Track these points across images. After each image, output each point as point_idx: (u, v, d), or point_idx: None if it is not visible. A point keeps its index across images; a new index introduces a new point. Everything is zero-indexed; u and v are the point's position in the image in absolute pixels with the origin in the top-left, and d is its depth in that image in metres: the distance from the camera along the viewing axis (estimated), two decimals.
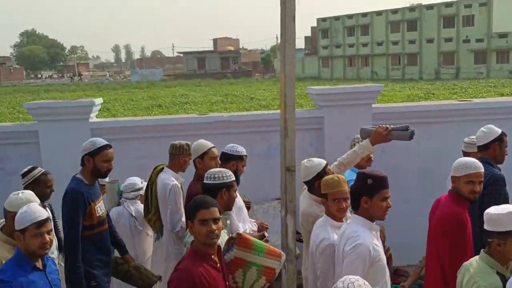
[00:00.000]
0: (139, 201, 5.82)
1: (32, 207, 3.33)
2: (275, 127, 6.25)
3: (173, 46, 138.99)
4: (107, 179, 5.68)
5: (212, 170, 4.03)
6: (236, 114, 7.38)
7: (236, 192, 4.13)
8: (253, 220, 5.10)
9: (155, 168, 5.42)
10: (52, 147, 6.64)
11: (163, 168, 5.38)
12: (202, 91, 43.56)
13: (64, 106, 6.70)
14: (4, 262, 3.45)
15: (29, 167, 4.81)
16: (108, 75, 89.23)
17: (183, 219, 5.10)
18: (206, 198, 3.31)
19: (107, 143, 4.45)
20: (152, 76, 74.89)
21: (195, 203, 3.25)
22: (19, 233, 3.27)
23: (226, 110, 25.70)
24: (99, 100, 6.95)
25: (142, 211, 5.65)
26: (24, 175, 4.74)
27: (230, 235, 3.79)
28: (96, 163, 4.36)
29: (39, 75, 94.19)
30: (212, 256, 3.24)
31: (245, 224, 4.81)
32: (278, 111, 6.61)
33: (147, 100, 35.20)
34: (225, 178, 3.91)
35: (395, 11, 73.38)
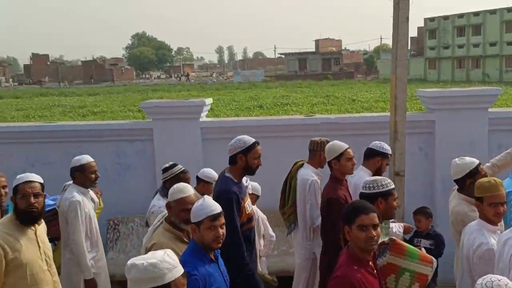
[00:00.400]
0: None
1: (207, 201, 3.42)
2: (383, 130, 6.13)
3: (275, 48, 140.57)
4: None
5: (368, 179, 4.00)
6: (343, 116, 7.32)
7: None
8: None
9: (295, 164, 5.52)
10: (165, 144, 6.97)
11: (303, 164, 5.46)
12: (303, 92, 43.57)
13: (177, 105, 7.01)
14: (165, 247, 3.60)
15: (170, 163, 5.06)
16: (214, 75, 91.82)
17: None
18: (365, 203, 3.29)
19: (255, 140, 4.49)
20: (253, 77, 76.14)
21: (353, 208, 3.24)
22: (195, 225, 3.38)
23: (327, 112, 25.52)
24: (209, 100, 7.19)
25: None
26: (164, 170, 5.01)
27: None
28: (248, 160, 4.40)
29: (147, 75, 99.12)
30: (370, 262, 3.22)
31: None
32: (387, 113, 6.48)
33: (249, 101, 35.81)
34: (381, 187, 3.85)
35: (510, 10, 68.97)
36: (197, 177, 5.73)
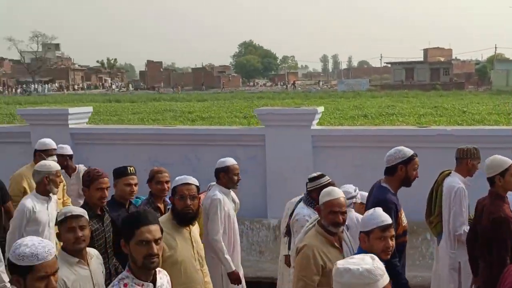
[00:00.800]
0: (353, 210, 5.94)
1: (378, 211, 3.51)
2: (502, 144, 5.90)
3: (381, 57, 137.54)
4: None
5: None
6: (460, 128, 7.14)
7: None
8: None
9: (442, 173, 5.46)
10: (276, 150, 7.17)
11: (450, 173, 5.40)
12: (409, 102, 42.26)
13: (289, 113, 7.20)
14: (315, 249, 3.70)
15: (317, 173, 5.02)
16: (320, 84, 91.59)
17: None
18: None
19: (413, 151, 4.47)
20: (358, 86, 75.09)
21: None
22: (364, 234, 3.47)
23: (435, 123, 24.60)
24: (321, 109, 7.30)
25: (355, 219, 5.74)
26: (311, 180, 4.98)
27: None
28: (408, 171, 4.39)
29: (252, 83, 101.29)
30: None
31: None
32: (508, 127, 6.21)
33: (353, 110, 35.36)
34: None
35: None
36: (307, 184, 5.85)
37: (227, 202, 5.23)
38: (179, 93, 66.99)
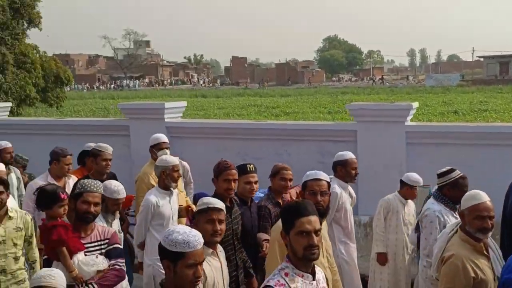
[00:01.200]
0: None
1: None
2: None
3: (473, 50, 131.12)
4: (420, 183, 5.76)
5: None
6: None
7: None
8: None
9: None
10: (368, 146, 7.07)
11: None
12: (504, 98, 40.06)
13: (382, 108, 7.09)
14: (465, 260, 3.52)
15: (447, 168, 4.80)
16: (410, 78, 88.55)
17: None
18: None
19: None
20: (447, 81, 72.15)
21: None
22: None
23: None
24: (415, 104, 7.11)
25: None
26: (441, 175, 4.78)
27: None
28: None
29: (336, 78, 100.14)
30: None
31: None
32: None
33: (442, 106, 34.13)
34: None
35: None
36: (401, 181, 5.74)
37: (344, 196, 5.23)
38: (266, 89, 67.67)
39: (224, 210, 3.76)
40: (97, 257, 3.96)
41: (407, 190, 5.71)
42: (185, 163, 6.92)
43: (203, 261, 2.88)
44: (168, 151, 6.25)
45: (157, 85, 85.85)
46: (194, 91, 66.87)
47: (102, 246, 4.03)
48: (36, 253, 4.89)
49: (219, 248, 3.79)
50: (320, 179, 3.98)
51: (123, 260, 4.12)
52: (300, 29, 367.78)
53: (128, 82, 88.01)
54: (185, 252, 2.77)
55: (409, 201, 5.83)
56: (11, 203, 4.97)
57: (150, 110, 8.53)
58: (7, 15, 24.68)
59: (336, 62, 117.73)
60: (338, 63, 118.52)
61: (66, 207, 4.13)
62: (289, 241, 2.92)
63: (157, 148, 6.39)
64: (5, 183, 4.63)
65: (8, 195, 4.62)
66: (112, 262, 3.98)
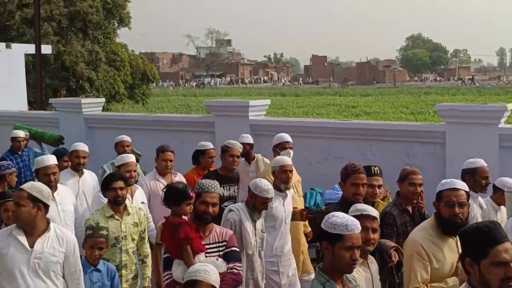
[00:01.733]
0: None
1: None
2: None
3: None
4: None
5: None
6: None
7: None
8: None
9: None
10: (457, 148, 6.81)
11: None
12: None
13: (474, 109, 6.81)
14: None
15: None
16: (504, 79, 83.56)
17: None
18: None
19: None
20: None
21: None
22: None
23: None
24: (510, 106, 6.78)
25: None
26: None
27: None
28: None
29: (421, 78, 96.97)
30: None
31: None
32: None
33: None
34: None
35: None
36: (494, 186, 5.49)
37: (474, 208, 4.81)
38: (348, 88, 66.90)
39: (378, 219, 3.62)
40: (217, 259, 3.91)
41: (500, 196, 5.46)
42: (267, 160, 6.97)
43: (360, 246, 2.93)
44: (291, 152, 6.04)
45: (239, 83, 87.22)
46: (273, 89, 67.27)
47: (220, 248, 4.00)
48: (148, 248, 5.03)
49: (371, 259, 3.61)
50: (457, 189, 3.63)
51: (241, 264, 4.11)
52: (383, 27, 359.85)
53: (209, 80, 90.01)
54: (343, 235, 2.88)
55: (502, 207, 5.57)
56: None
57: (235, 107, 8.68)
58: (101, 15, 25.96)
59: (419, 61, 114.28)
60: (422, 62, 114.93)
61: (192, 206, 4.09)
62: (478, 270, 2.58)
63: (280, 147, 6.20)
64: (125, 179, 4.87)
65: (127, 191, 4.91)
66: (230, 265, 3.94)
